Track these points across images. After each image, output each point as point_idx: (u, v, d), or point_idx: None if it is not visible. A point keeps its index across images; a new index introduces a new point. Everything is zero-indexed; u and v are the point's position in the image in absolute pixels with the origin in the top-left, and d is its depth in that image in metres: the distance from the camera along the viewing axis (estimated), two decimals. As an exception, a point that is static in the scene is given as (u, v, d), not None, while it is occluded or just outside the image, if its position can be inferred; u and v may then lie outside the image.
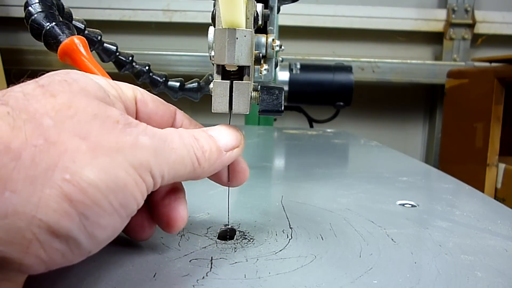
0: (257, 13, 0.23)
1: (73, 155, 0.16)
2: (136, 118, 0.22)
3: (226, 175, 0.25)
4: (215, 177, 0.26)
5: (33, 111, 0.16)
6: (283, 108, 0.25)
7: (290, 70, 1.05)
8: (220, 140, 0.23)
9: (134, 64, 0.36)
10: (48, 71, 0.20)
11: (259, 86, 0.25)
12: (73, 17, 0.34)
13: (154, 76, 0.37)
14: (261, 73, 0.25)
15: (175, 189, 0.24)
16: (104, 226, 0.17)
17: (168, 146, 0.19)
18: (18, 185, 0.15)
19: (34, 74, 0.19)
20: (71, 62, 0.30)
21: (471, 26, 1.39)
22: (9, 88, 0.18)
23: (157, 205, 0.23)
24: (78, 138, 0.17)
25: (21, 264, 0.15)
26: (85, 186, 0.16)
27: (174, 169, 0.20)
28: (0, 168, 0.15)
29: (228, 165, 0.25)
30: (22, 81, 0.18)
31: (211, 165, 0.22)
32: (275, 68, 0.28)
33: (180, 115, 0.25)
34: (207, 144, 0.22)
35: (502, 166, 1.00)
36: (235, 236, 0.27)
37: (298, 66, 1.05)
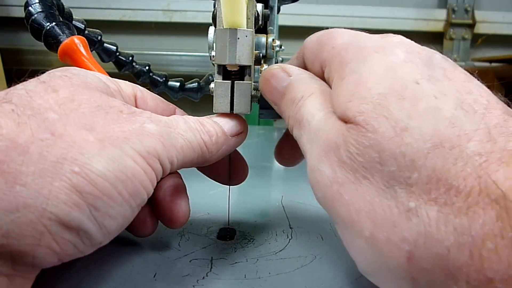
0: (257, 13, 0.23)
1: (80, 147, 0.16)
2: None
3: (227, 173, 0.25)
4: (215, 176, 0.26)
5: (37, 106, 0.17)
6: None
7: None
8: (225, 125, 0.23)
9: (134, 64, 0.36)
10: (44, 71, 0.20)
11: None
12: (73, 17, 0.34)
13: (154, 76, 0.37)
14: (261, 73, 0.25)
15: (176, 185, 0.24)
16: (114, 217, 0.17)
17: (174, 131, 0.20)
18: (27, 178, 0.15)
19: (35, 73, 0.20)
20: (71, 62, 0.30)
21: (471, 26, 1.39)
22: (12, 87, 0.18)
23: (159, 201, 0.23)
24: (84, 130, 0.17)
25: (34, 257, 0.15)
26: (94, 178, 0.16)
27: (183, 154, 0.20)
28: (9, 163, 0.15)
29: (229, 163, 0.25)
30: (23, 80, 0.19)
31: (219, 149, 0.22)
32: (275, 68, 0.28)
33: (180, 113, 0.25)
34: (213, 129, 0.22)
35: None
36: (235, 236, 0.27)
37: (298, 66, 1.05)
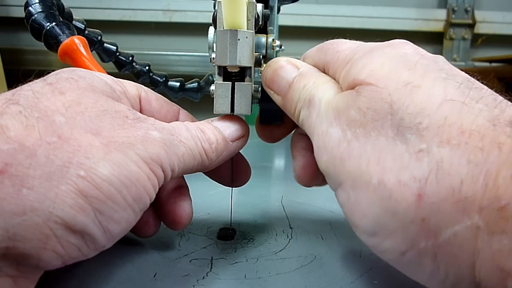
0: (258, 15, 0.23)
1: (86, 151, 0.16)
2: None
3: (229, 175, 0.25)
4: (218, 177, 0.26)
5: (44, 108, 0.17)
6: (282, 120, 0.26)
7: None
8: (226, 130, 0.23)
9: (134, 64, 0.36)
10: (49, 71, 0.20)
11: (259, 88, 0.25)
12: (73, 17, 0.34)
13: (154, 76, 0.37)
14: (261, 73, 0.25)
15: (179, 187, 0.24)
16: (118, 221, 0.17)
17: (176, 139, 0.20)
18: (35, 182, 0.15)
19: (41, 74, 0.20)
20: (71, 62, 0.30)
21: (471, 26, 1.39)
22: (18, 88, 0.18)
23: (162, 202, 0.23)
24: (90, 134, 0.17)
25: (39, 260, 0.15)
26: (99, 182, 0.16)
27: (184, 161, 0.20)
28: (17, 166, 0.15)
29: (232, 165, 0.25)
30: (29, 81, 0.19)
31: (218, 156, 0.22)
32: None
33: (184, 114, 0.25)
34: (213, 136, 0.22)
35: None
36: (235, 236, 0.27)
37: (298, 66, 1.05)
